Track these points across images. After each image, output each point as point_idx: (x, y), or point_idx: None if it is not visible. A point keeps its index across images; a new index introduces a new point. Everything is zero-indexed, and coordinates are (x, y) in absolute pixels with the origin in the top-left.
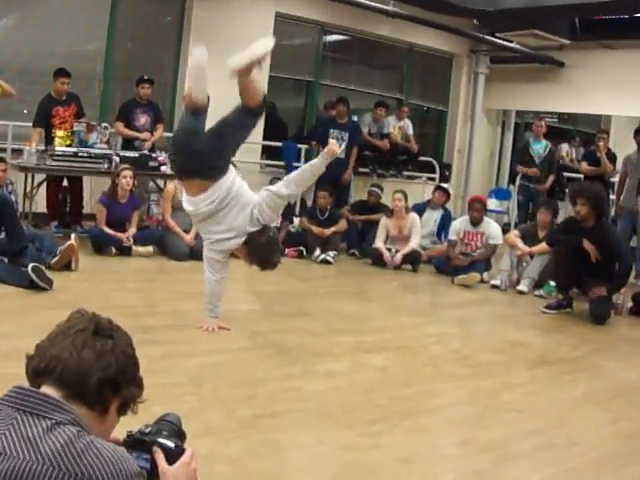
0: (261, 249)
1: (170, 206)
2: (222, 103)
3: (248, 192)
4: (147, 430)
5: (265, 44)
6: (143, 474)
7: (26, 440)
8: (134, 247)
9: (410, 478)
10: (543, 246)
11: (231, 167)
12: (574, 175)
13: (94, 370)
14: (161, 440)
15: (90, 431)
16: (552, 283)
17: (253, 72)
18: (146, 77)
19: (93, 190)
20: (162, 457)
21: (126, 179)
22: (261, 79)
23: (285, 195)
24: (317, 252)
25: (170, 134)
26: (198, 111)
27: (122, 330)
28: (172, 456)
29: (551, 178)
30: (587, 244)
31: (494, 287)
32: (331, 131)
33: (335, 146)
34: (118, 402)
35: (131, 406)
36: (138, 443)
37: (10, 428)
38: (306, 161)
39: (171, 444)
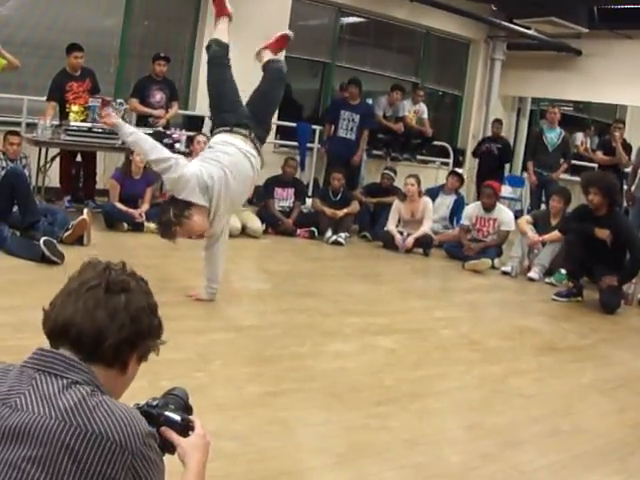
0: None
1: None
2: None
3: (199, 160)
4: (154, 403)
5: None
6: (155, 435)
7: (42, 397)
8: (146, 223)
9: (416, 460)
10: (555, 234)
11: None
12: (588, 164)
13: (108, 332)
14: (168, 413)
15: (105, 391)
16: (563, 271)
17: None
18: (162, 54)
19: (107, 166)
20: (172, 432)
21: (140, 156)
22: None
23: None
24: (329, 233)
25: (185, 112)
26: None
27: (136, 277)
28: (178, 430)
29: (565, 166)
30: (599, 231)
31: (505, 273)
32: (342, 112)
33: (107, 117)
34: (136, 355)
35: (151, 353)
36: (145, 416)
37: (30, 389)
38: (319, 142)
39: (177, 417)
